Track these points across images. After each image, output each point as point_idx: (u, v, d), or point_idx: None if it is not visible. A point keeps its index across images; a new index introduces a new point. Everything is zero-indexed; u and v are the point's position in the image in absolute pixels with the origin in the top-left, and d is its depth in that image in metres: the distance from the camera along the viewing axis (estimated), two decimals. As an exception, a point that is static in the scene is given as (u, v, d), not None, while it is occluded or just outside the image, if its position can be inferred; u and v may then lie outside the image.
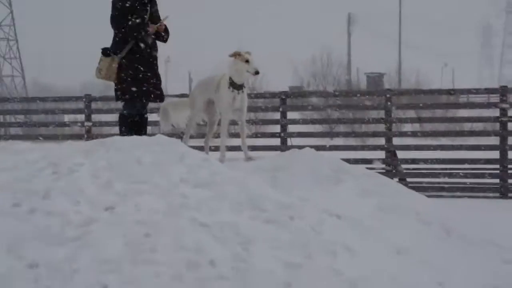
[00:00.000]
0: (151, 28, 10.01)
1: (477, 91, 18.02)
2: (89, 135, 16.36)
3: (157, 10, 10.31)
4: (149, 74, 10.03)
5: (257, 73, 9.50)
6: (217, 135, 11.17)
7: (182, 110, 10.63)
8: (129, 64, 10.00)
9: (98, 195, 6.62)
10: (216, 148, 10.68)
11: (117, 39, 10.10)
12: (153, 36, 10.16)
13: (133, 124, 10.13)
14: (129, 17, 9.92)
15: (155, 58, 10.24)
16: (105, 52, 10.11)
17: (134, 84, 9.95)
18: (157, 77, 10.21)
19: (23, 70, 70.34)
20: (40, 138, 17.32)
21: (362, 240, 6.74)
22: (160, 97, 10.28)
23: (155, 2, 10.34)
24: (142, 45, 9.99)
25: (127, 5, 9.94)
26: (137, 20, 9.90)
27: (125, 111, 10.18)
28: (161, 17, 10.29)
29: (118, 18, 9.98)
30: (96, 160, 7.25)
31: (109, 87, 15.14)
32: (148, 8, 10.12)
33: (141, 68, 9.98)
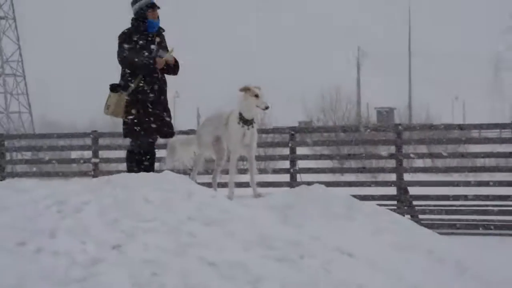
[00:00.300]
0: (159, 63, 9.95)
1: (487, 126, 17.93)
2: (96, 172, 16.30)
3: (164, 44, 10.26)
4: (158, 110, 9.97)
5: (266, 108, 9.44)
6: (225, 171, 11.09)
7: (189, 147, 10.54)
8: (137, 100, 9.94)
9: (104, 233, 6.53)
10: (225, 185, 10.59)
11: (125, 75, 10.06)
12: (164, 67, 10.10)
13: (141, 160, 10.06)
14: (135, 53, 9.88)
15: (165, 93, 10.18)
16: (113, 88, 10.06)
17: (142, 121, 9.89)
18: (167, 112, 10.15)
19: (30, 106, 70.60)
20: (48, 174, 17.28)
21: (374, 278, 6.62)
22: (170, 134, 10.21)
23: (163, 36, 10.30)
24: (150, 80, 9.93)
25: (133, 40, 9.91)
26: (143, 58, 9.85)
27: (133, 148, 10.11)
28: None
29: (124, 55, 9.93)
30: (103, 198, 7.16)
31: (117, 123, 15.11)
32: (155, 43, 10.07)
33: (150, 104, 9.92)
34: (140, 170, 9.60)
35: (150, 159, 10.14)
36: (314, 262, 6.56)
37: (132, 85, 9.96)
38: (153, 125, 9.91)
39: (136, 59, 9.85)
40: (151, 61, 9.87)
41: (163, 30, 10.33)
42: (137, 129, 9.93)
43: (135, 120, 9.95)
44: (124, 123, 10.10)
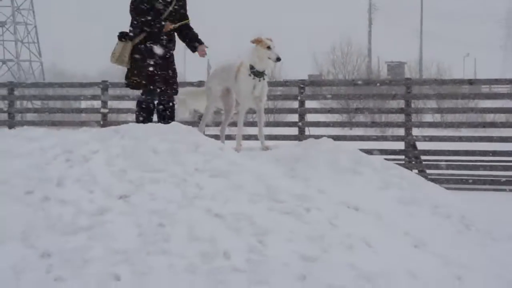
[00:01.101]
0: (167, 28, 9.88)
1: (497, 81, 17.83)
2: (105, 122, 16.32)
3: (182, 7, 10.14)
4: (160, 63, 9.91)
5: (278, 59, 9.36)
6: (233, 124, 11.07)
7: (198, 99, 10.47)
8: (141, 52, 9.91)
9: (112, 183, 6.56)
10: (232, 137, 10.58)
11: (133, 25, 10.01)
12: (173, 30, 10.03)
13: (150, 111, 10.04)
14: (147, 9, 9.81)
15: (170, 51, 10.09)
16: (121, 36, 10.03)
17: (143, 72, 9.85)
18: (171, 69, 10.06)
19: (41, 55, 70.45)
20: (58, 124, 17.32)
21: (379, 233, 6.64)
22: (171, 89, 10.10)
23: (184, 1, 10.18)
24: (156, 35, 9.88)
25: None
26: (150, 18, 9.78)
27: (142, 97, 10.09)
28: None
29: (136, 6, 9.88)
30: (111, 147, 7.18)
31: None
32: (171, 5, 9.96)
33: (153, 57, 9.87)
34: (146, 121, 9.60)
35: (166, 110, 10.08)
36: (320, 215, 6.58)
37: (138, 38, 9.93)
38: (153, 77, 9.86)
39: (142, 22, 9.82)
40: (158, 25, 9.81)
41: None
42: (137, 80, 9.91)
43: (135, 71, 9.93)
44: (127, 72, 10.08)
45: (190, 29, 10.24)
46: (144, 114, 10.00)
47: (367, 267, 5.83)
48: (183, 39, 10.28)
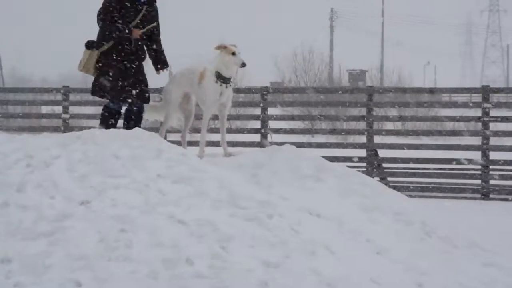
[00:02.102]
0: (135, 34, 9.80)
1: (458, 90, 18.06)
2: (66, 127, 16.19)
3: (153, 11, 10.07)
4: (128, 73, 9.82)
5: (243, 65, 9.35)
6: (195, 130, 11.05)
7: (157, 112, 10.33)
8: (108, 60, 9.82)
9: (73, 189, 6.53)
10: (195, 143, 10.54)
11: (101, 34, 9.92)
12: (144, 37, 9.97)
13: (115, 116, 9.95)
14: (116, 18, 9.74)
15: (140, 59, 10.00)
16: (88, 45, 9.95)
17: (111, 81, 9.76)
18: (140, 77, 9.95)
19: (0, 60, 69.77)
20: (18, 129, 17.17)
21: (342, 239, 6.66)
22: (142, 97, 10.01)
23: (155, 7, 10.11)
24: (123, 44, 9.80)
25: (118, 6, 9.76)
26: (118, 28, 9.70)
27: (110, 104, 9.99)
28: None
29: (104, 16, 9.81)
30: (72, 153, 7.13)
31: (88, 80, 14.97)
32: (142, 11, 9.88)
33: (120, 66, 9.78)
34: (110, 127, 9.53)
35: (135, 119, 9.99)
36: (283, 222, 6.57)
37: (106, 45, 9.84)
38: (120, 87, 9.77)
39: (110, 29, 9.73)
40: (126, 31, 9.72)
41: (155, 1, 10.14)
42: (103, 89, 9.82)
43: (101, 79, 9.84)
44: (94, 80, 10.00)
45: (160, 47, 10.14)
46: (109, 120, 9.91)
47: (329, 273, 5.84)
48: (149, 54, 10.20)
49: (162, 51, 10.19)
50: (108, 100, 10.01)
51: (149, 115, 10.38)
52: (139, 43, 9.92)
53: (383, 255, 6.69)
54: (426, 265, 6.69)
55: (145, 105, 10.26)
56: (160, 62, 10.14)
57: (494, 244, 7.93)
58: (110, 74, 9.77)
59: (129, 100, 9.84)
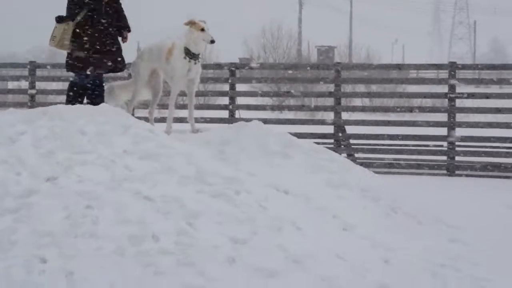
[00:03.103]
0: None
1: (426, 67, 18.13)
2: (33, 103, 16.04)
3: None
4: (103, 43, 9.73)
5: (212, 42, 9.32)
6: (162, 106, 10.99)
7: (127, 89, 10.26)
8: (83, 31, 9.70)
9: (39, 165, 6.47)
10: (162, 120, 10.51)
11: (71, 5, 9.80)
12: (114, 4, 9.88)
13: (81, 93, 9.86)
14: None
15: (110, 26, 9.91)
16: (60, 19, 9.80)
17: (86, 53, 9.67)
18: (112, 45, 9.88)
19: (-33, 35, 69.05)
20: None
21: (309, 216, 6.68)
22: (116, 68, 9.95)
23: None
24: (97, 14, 9.70)
25: None
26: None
27: (75, 79, 9.90)
28: None
29: None
30: (39, 129, 7.07)
31: (56, 54, 14.86)
32: None
33: (95, 37, 9.68)
34: (78, 103, 9.44)
35: (98, 92, 9.91)
36: (250, 198, 6.58)
37: (79, 17, 9.71)
38: (95, 59, 9.69)
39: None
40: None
41: None
42: (81, 63, 9.71)
43: (79, 53, 9.73)
44: (68, 55, 9.87)
45: (121, 11, 10.08)
46: (76, 99, 9.81)
47: (296, 250, 5.86)
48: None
49: (125, 19, 10.11)
50: (76, 76, 9.91)
51: (118, 95, 10.25)
52: (109, 10, 9.83)
53: (349, 231, 6.73)
54: (392, 241, 6.74)
55: (114, 85, 10.20)
56: (125, 27, 10.06)
57: (459, 220, 8.00)
58: (84, 47, 9.67)
59: (110, 68, 9.78)
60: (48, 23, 9.95)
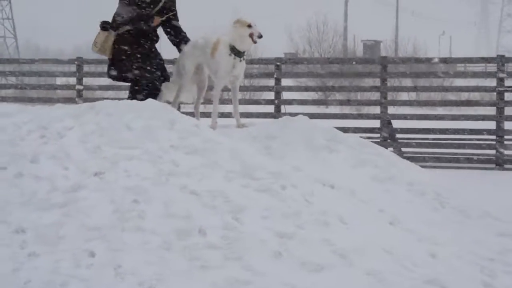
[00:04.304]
0: (156, 21, 9.76)
1: (473, 60, 17.94)
2: (80, 99, 16.21)
3: (173, 1, 10.02)
4: (144, 55, 9.76)
5: (260, 36, 9.28)
6: (207, 101, 11.00)
7: (175, 89, 10.25)
8: (124, 43, 9.75)
9: (86, 160, 6.54)
10: (208, 115, 10.53)
11: (119, 14, 9.85)
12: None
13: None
14: (138, 2, 9.67)
15: (153, 41, 9.94)
16: (104, 26, 9.87)
17: (126, 64, 9.70)
18: (157, 59, 9.91)
19: (16, 31, 69.83)
20: (32, 100, 17.21)
21: (355, 210, 6.66)
22: (160, 77, 9.97)
23: None
24: (140, 28, 9.73)
25: None
26: (142, 13, 9.64)
27: (135, 98, 9.90)
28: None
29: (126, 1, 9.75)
30: (86, 124, 7.14)
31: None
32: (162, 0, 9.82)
33: (136, 49, 9.72)
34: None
35: (153, 95, 9.92)
36: (296, 192, 6.58)
37: (122, 28, 9.77)
38: (135, 70, 9.72)
39: (132, 13, 9.67)
40: (149, 21, 9.67)
41: None
42: (120, 71, 9.77)
43: (117, 61, 9.78)
44: (110, 62, 9.94)
45: (179, 26, 10.10)
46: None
47: (342, 244, 5.84)
48: (168, 33, 10.14)
49: (181, 29, 10.12)
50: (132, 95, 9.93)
51: (164, 94, 10.25)
52: (156, 29, 9.89)
53: (396, 225, 6.69)
54: (439, 235, 6.68)
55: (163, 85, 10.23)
56: (180, 39, 10.07)
57: (508, 214, 7.90)
58: (125, 57, 9.71)
59: (148, 80, 9.78)
60: (94, 21, 10.02)
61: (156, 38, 9.99)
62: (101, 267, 5.23)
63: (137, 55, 9.68)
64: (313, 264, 5.52)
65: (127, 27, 9.70)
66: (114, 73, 9.83)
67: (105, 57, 10.12)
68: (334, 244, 5.84)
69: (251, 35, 9.22)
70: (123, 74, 9.77)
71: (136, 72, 9.64)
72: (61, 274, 5.14)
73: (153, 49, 9.88)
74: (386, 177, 7.77)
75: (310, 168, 7.45)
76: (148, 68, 9.68)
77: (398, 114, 16.26)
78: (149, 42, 9.80)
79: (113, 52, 9.79)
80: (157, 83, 9.78)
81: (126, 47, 9.71)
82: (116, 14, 9.84)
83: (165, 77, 10.01)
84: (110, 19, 9.87)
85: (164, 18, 9.83)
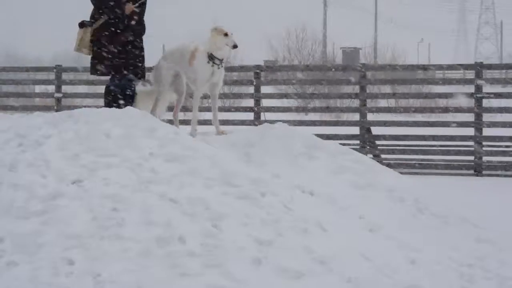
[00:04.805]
0: (127, 9, 9.78)
1: (451, 67, 18.05)
2: (59, 107, 16.15)
3: None
4: (124, 47, 9.80)
5: (235, 47, 9.33)
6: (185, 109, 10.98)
7: (150, 97, 10.26)
8: (103, 37, 9.78)
9: (65, 168, 6.50)
10: (187, 122, 10.52)
11: (94, 13, 9.88)
12: (137, 11, 9.91)
13: (117, 97, 9.88)
14: None
15: (136, 35, 9.96)
16: (81, 24, 9.90)
17: (107, 58, 9.74)
18: (136, 51, 9.95)
19: (-6, 39, 69.62)
20: (11, 108, 17.12)
21: (334, 217, 6.67)
22: (135, 73, 9.99)
23: None
24: (117, 20, 9.76)
25: None
26: (110, 3, 9.67)
27: (110, 84, 9.94)
28: None
29: None
30: (64, 132, 7.11)
31: (82, 59, 14.89)
32: None
33: (115, 42, 9.75)
34: (118, 106, 9.46)
35: (127, 97, 9.93)
36: (276, 199, 6.58)
37: (98, 22, 9.79)
38: (116, 63, 9.75)
39: (102, 5, 9.70)
40: (119, 9, 9.69)
41: None
42: (100, 66, 9.80)
43: (98, 56, 9.81)
44: (91, 58, 9.96)
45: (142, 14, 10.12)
46: (113, 99, 9.85)
47: (322, 251, 5.85)
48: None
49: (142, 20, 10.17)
50: (108, 79, 9.96)
51: (141, 102, 10.24)
52: (135, 17, 9.88)
53: (375, 232, 6.70)
54: (418, 241, 6.70)
55: (136, 92, 10.21)
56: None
57: (487, 221, 7.95)
58: (105, 50, 9.74)
59: (125, 73, 9.81)
60: (74, 28, 10.02)
61: (139, 28, 9.98)
62: (81, 276, 5.20)
63: (115, 47, 9.71)
64: (293, 271, 5.52)
65: (103, 20, 9.73)
66: (100, 67, 9.84)
67: (85, 65, 10.14)
68: (314, 251, 5.84)
69: (227, 44, 9.28)
70: (106, 68, 9.79)
71: (116, 63, 9.69)
72: (40, 283, 5.11)
73: (130, 40, 9.89)
74: (366, 184, 7.79)
75: (290, 175, 7.46)
76: (128, 60, 9.74)
77: (377, 121, 16.29)
78: (125, 32, 9.81)
79: (92, 48, 9.81)
80: (133, 76, 9.85)
81: (103, 40, 9.74)
82: (93, 11, 9.88)
83: (142, 71, 10.04)
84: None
85: (136, 5, 9.84)
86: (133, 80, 10.01)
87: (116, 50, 9.77)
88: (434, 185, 10.72)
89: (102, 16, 9.78)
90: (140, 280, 5.19)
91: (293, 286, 5.38)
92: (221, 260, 5.49)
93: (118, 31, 9.79)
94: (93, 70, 9.97)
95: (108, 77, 10.09)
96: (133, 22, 9.88)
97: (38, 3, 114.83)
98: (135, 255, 5.44)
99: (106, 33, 9.78)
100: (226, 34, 9.28)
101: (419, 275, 5.98)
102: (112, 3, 9.69)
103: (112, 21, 9.77)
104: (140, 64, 10.00)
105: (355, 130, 15.51)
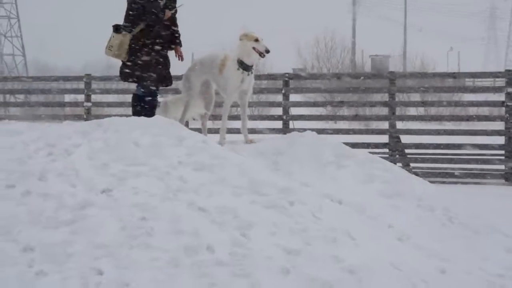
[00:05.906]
0: (166, 15, 9.82)
1: (481, 75, 17.94)
2: (88, 116, 16.24)
3: None
4: (158, 56, 9.84)
5: (267, 51, 9.30)
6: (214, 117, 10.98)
7: (181, 105, 10.29)
8: (141, 44, 9.79)
9: (94, 177, 6.54)
10: (216, 130, 10.53)
11: (129, 16, 9.88)
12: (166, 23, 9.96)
13: (146, 104, 9.93)
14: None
15: (168, 43, 10.02)
16: (117, 29, 9.90)
17: (144, 65, 9.77)
18: (165, 59, 10.00)
19: (24, 49, 70.18)
20: (41, 117, 17.24)
21: (363, 226, 6.64)
22: (166, 81, 10.05)
23: None
24: (155, 27, 9.79)
25: None
26: (150, 6, 9.69)
27: (137, 91, 9.98)
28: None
29: None
30: (94, 141, 7.15)
31: (111, 67, 15.00)
32: None
33: (152, 50, 9.78)
34: (146, 115, 9.49)
35: (150, 104, 9.98)
36: (304, 208, 6.56)
37: (137, 28, 9.81)
38: (152, 72, 9.79)
39: (143, 8, 9.72)
40: (161, 14, 9.72)
41: None
42: (138, 73, 9.82)
43: (136, 64, 9.82)
44: (124, 65, 9.95)
45: (175, 25, 10.16)
46: (141, 107, 9.88)
47: (351, 260, 5.81)
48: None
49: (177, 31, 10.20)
50: (138, 88, 9.99)
51: (172, 110, 10.28)
52: (167, 25, 9.93)
53: (404, 241, 6.66)
54: (448, 251, 6.65)
55: (167, 100, 10.25)
56: (176, 42, 10.15)
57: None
58: (143, 58, 9.76)
59: (155, 83, 9.85)
60: (101, 38, 10.05)
61: (169, 39, 10.02)
62: (109, 285, 5.20)
63: (152, 57, 9.75)
64: (321, 280, 5.49)
65: (141, 26, 9.75)
66: (127, 70, 9.87)
67: (113, 74, 10.18)
68: (343, 260, 5.80)
69: (257, 50, 9.25)
70: (140, 75, 9.81)
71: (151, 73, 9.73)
72: (69, 293, 5.13)
73: (164, 50, 9.93)
74: (395, 193, 7.75)
75: (318, 183, 7.45)
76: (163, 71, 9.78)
77: (407, 129, 16.21)
78: (162, 42, 9.85)
79: (127, 54, 9.83)
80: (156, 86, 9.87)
81: (143, 49, 9.76)
82: (126, 16, 9.89)
83: (168, 79, 10.08)
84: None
85: (173, 11, 9.88)
86: (158, 88, 10.05)
87: (148, 58, 9.80)
88: (463, 193, 10.64)
89: (140, 23, 9.80)
90: (168, 289, 5.19)
91: (322, 295, 5.35)
92: (249, 270, 5.47)
93: (157, 40, 9.82)
94: (126, 76, 9.98)
95: (135, 84, 10.13)
96: (174, 28, 9.93)
97: (67, 12, 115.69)
98: (163, 265, 5.44)
99: (147, 40, 9.79)
100: (256, 40, 9.26)
101: (449, 284, 5.93)
102: (155, 10, 9.69)
103: (151, 28, 9.78)
104: (167, 72, 10.04)
105: (385, 139, 15.45)
